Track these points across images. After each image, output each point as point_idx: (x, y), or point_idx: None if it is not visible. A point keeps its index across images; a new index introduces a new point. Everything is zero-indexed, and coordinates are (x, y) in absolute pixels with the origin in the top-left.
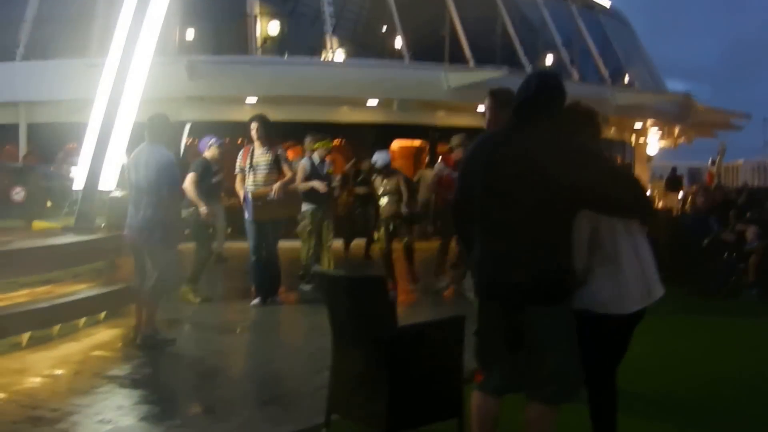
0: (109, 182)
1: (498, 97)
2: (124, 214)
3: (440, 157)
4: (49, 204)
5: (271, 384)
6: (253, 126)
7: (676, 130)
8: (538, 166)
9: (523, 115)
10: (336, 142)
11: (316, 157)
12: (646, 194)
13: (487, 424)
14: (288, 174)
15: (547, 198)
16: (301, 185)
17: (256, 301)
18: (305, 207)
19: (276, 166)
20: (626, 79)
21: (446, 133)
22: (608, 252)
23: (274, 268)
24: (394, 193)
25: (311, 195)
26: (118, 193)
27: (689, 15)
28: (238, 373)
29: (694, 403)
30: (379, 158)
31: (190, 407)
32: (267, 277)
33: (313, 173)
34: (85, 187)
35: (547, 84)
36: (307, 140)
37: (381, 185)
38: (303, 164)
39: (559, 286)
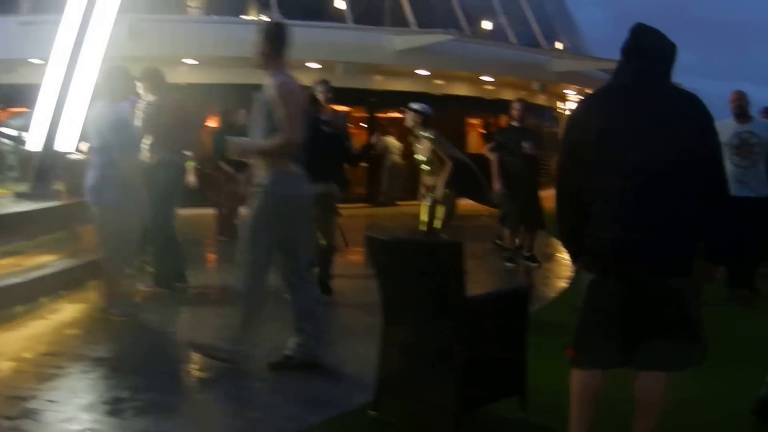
0: (67, 144)
1: None
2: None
3: None
4: None
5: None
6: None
7: None
8: (685, 124)
9: (652, 71)
10: None
11: None
12: None
13: (592, 402)
14: None
15: (684, 151)
16: None
17: None
18: None
19: None
20: (560, 46)
21: (384, 98)
22: None
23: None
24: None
25: None
26: (78, 156)
27: None
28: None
29: None
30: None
31: (190, 391)
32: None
33: None
34: (42, 150)
35: (672, 43)
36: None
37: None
38: None
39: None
